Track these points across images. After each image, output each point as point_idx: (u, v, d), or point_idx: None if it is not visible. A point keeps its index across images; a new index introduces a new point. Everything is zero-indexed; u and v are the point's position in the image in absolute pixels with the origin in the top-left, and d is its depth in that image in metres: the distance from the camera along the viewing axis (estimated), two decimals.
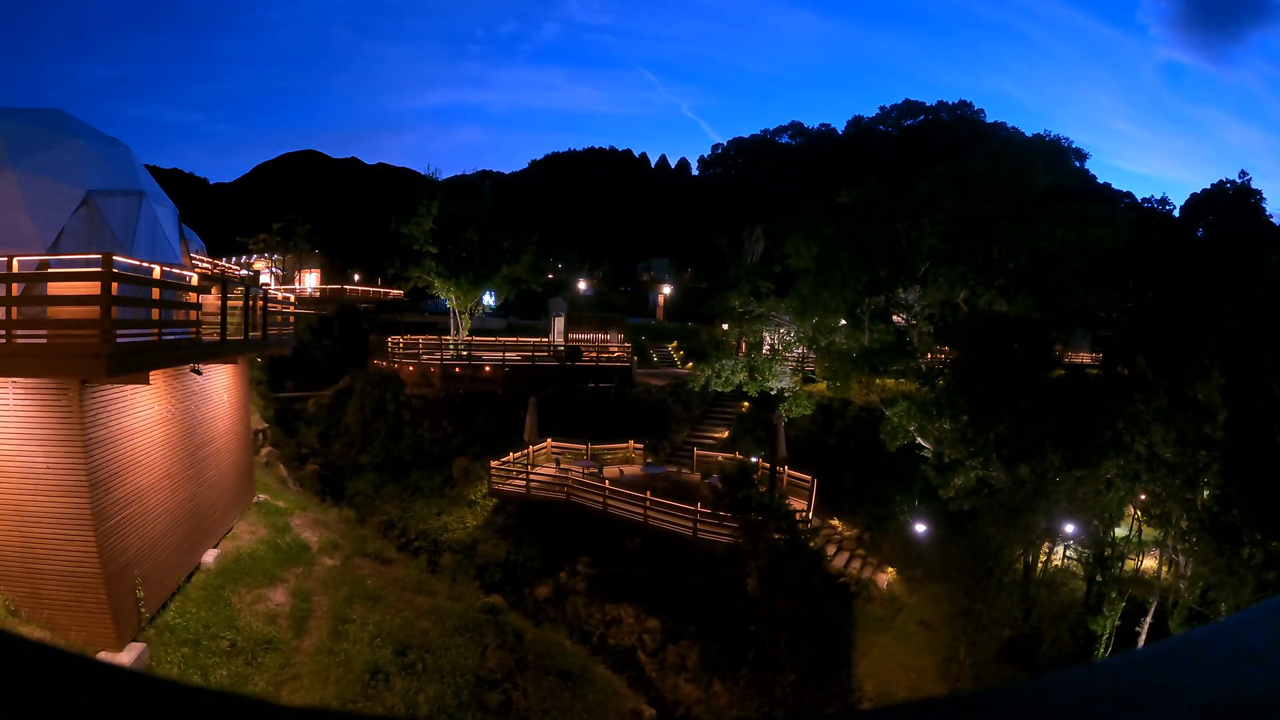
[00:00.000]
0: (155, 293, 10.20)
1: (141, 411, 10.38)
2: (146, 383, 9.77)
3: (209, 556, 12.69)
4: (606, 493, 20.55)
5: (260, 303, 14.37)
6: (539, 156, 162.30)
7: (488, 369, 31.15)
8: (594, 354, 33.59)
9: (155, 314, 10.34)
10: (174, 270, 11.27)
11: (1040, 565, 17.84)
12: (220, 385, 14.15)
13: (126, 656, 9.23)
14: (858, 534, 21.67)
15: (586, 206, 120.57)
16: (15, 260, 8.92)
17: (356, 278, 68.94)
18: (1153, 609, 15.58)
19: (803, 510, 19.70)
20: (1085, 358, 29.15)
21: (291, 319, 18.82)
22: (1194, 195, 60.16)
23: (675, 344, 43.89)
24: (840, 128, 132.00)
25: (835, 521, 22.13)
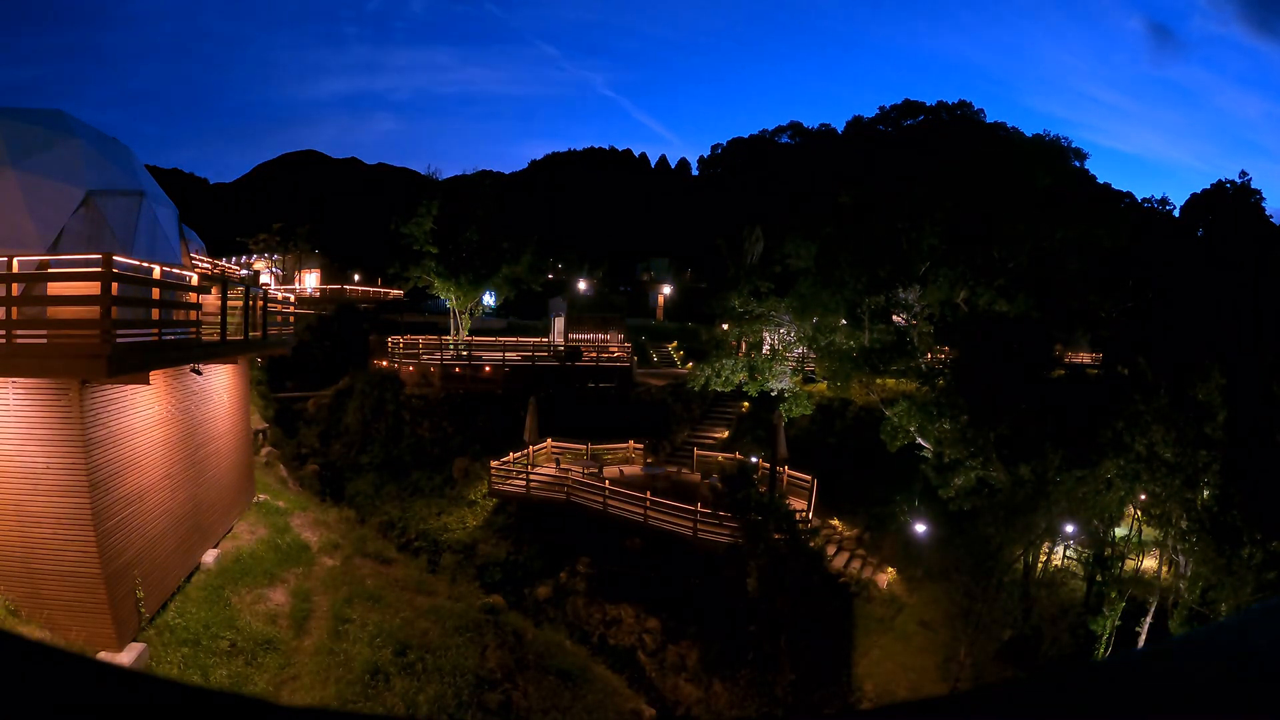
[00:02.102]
0: (155, 293, 10.19)
1: (141, 411, 10.38)
2: (146, 383, 9.77)
3: (209, 556, 12.69)
4: (606, 493, 20.55)
5: (260, 303, 14.37)
6: (538, 156, 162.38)
7: (488, 369, 31.16)
8: (594, 354, 33.59)
9: (155, 314, 10.34)
10: (174, 270, 11.26)
11: (1040, 565, 17.84)
12: (220, 385, 14.15)
13: (126, 656, 9.23)
14: (858, 534, 21.67)
15: (586, 206, 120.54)
16: (15, 260, 8.92)
17: (356, 278, 68.93)
18: (1153, 609, 15.59)
19: (803, 510, 19.70)
20: (1085, 358, 29.16)
21: (291, 319, 18.82)
22: (1194, 195, 60.16)
23: (675, 344, 43.88)
24: (840, 127, 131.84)
25: (835, 521, 22.13)
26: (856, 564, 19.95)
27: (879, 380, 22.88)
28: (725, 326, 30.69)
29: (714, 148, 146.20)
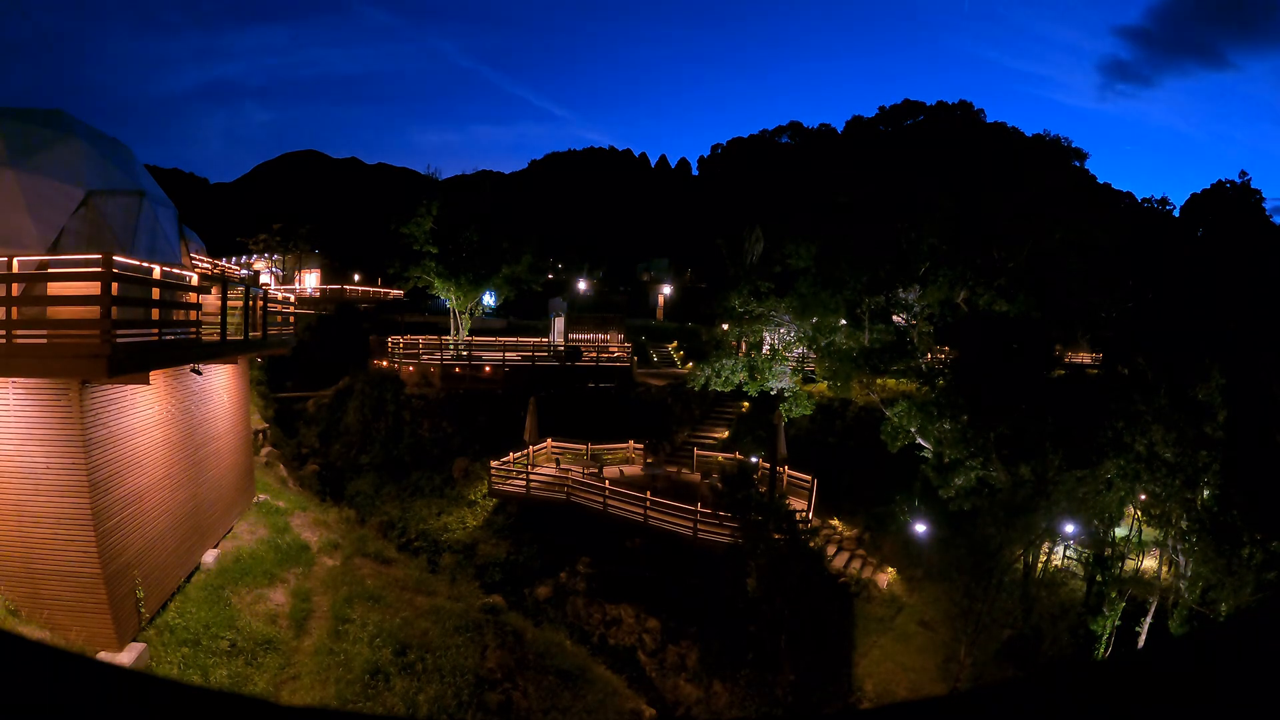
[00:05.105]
0: (155, 293, 10.19)
1: (141, 411, 10.37)
2: (146, 383, 9.77)
3: (209, 556, 12.69)
4: (606, 493, 20.54)
5: (260, 303, 14.36)
6: (538, 156, 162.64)
7: (488, 369, 31.15)
8: (594, 354, 33.59)
9: (155, 314, 10.34)
10: (174, 270, 11.26)
11: (1040, 565, 17.84)
12: (220, 385, 14.14)
13: (126, 656, 9.23)
14: (858, 534, 21.67)
15: (586, 206, 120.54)
16: (15, 260, 8.92)
17: (356, 278, 68.89)
18: (1153, 609, 15.58)
19: (803, 510, 19.69)
20: (1085, 358, 29.13)
21: (291, 319, 18.81)
22: (1194, 195, 60.24)
23: (675, 344, 43.88)
24: (840, 127, 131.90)
25: (835, 521, 22.13)
26: (856, 564, 19.94)
27: (879, 380, 22.89)
28: (725, 326, 30.68)
29: (714, 148, 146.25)
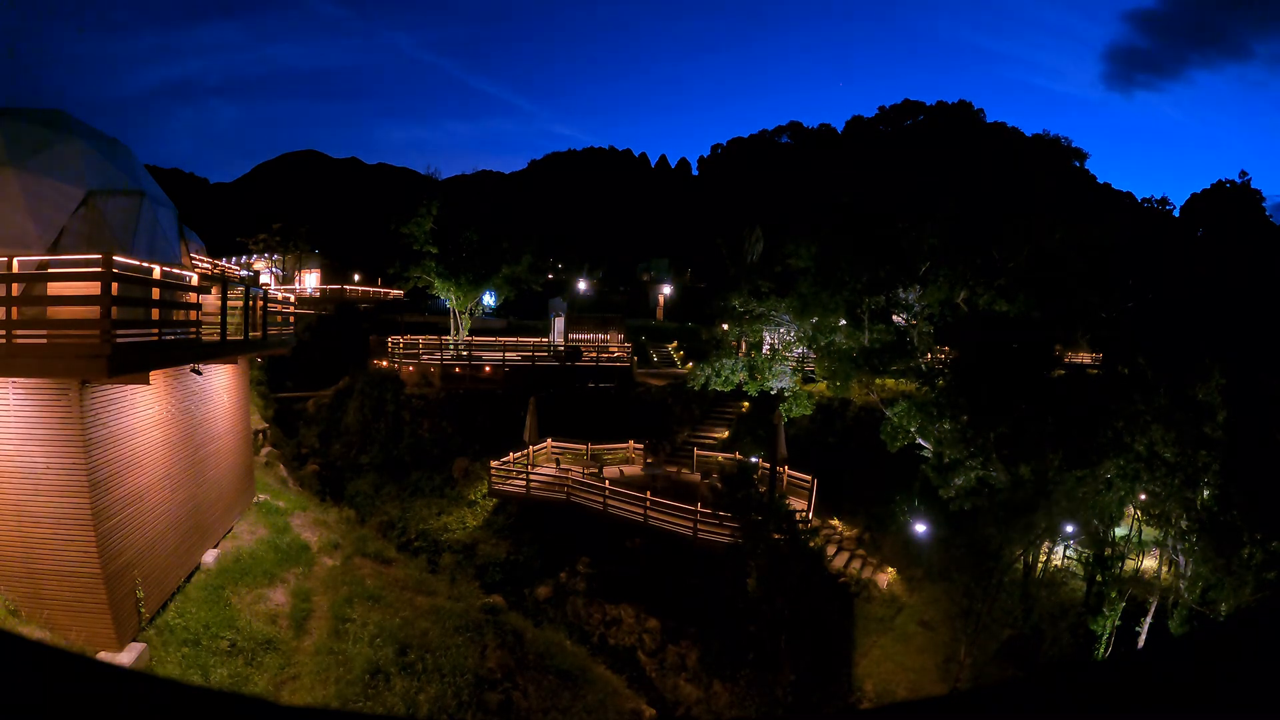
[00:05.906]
0: (155, 293, 10.19)
1: (141, 411, 10.37)
2: (146, 383, 9.77)
3: (209, 556, 12.69)
4: (606, 493, 20.54)
5: (260, 303, 14.36)
6: (538, 156, 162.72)
7: (488, 369, 31.16)
8: (594, 354, 33.59)
9: (155, 314, 10.33)
10: (174, 270, 11.26)
11: (1040, 565, 17.83)
12: (220, 385, 14.14)
13: (126, 656, 9.23)
14: (858, 534, 21.67)
15: (586, 206, 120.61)
16: (15, 260, 8.91)
17: (356, 278, 68.90)
18: (1153, 609, 15.58)
19: (803, 510, 19.70)
20: (1085, 358, 29.13)
21: (291, 319, 18.80)
22: (1194, 195, 60.34)
23: (675, 344, 43.88)
24: (840, 127, 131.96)
25: (835, 521, 22.13)
26: (856, 564, 19.94)
27: (879, 380, 22.87)
28: (725, 326, 30.67)
29: (714, 148, 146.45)
